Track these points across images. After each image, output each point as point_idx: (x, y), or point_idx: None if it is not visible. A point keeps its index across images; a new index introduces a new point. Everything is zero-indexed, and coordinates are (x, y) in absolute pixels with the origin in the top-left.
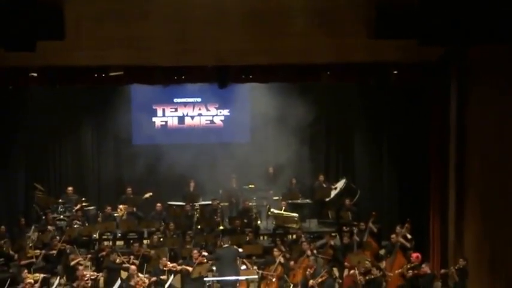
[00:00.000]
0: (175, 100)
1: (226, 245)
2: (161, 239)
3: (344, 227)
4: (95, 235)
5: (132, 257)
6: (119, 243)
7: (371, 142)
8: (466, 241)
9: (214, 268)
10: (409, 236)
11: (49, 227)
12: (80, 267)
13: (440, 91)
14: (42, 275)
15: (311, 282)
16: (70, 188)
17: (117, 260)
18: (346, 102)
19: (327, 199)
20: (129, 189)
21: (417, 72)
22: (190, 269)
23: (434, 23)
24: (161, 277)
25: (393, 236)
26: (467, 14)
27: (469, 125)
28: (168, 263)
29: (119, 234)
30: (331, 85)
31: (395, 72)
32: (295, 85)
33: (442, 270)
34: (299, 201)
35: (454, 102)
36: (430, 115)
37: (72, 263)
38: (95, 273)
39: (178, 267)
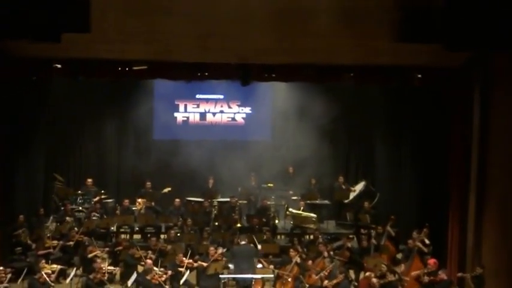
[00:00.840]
0: (197, 96)
1: (243, 243)
2: (178, 234)
3: (362, 230)
4: (112, 228)
5: (149, 251)
6: (136, 236)
7: (392, 145)
8: (484, 249)
9: (230, 265)
10: (427, 241)
11: (67, 218)
12: (98, 260)
13: (463, 97)
14: (59, 266)
15: (326, 283)
16: (89, 180)
17: (136, 255)
18: (368, 104)
19: (346, 201)
20: (148, 184)
21: (441, 77)
22: (205, 264)
23: (460, 28)
24: (177, 272)
25: (410, 240)
26: (493, 19)
27: (491, 132)
28: (184, 259)
29: (137, 228)
30: (353, 86)
31: (419, 76)
32: (317, 84)
33: (459, 274)
34: (318, 201)
35: (477, 108)
36: (452, 121)
37: (90, 255)
38: (112, 267)
39: (195, 264)
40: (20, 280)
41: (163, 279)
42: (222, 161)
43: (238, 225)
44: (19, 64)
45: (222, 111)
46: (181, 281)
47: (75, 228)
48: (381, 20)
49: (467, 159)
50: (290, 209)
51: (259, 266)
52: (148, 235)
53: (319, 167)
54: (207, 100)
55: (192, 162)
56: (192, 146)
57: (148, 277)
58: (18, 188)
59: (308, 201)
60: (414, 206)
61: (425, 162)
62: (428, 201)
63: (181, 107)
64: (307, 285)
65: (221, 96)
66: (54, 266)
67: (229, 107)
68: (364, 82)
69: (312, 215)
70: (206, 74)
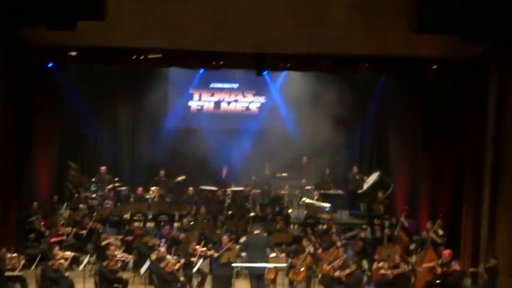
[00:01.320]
0: (212, 85)
1: (256, 232)
2: (192, 223)
3: (375, 220)
4: (126, 215)
5: (163, 239)
6: (150, 224)
7: (406, 136)
8: (497, 240)
9: (243, 254)
10: (440, 232)
11: (81, 206)
12: (112, 247)
13: (479, 88)
14: (72, 253)
15: (339, 273)
16: (103, 168)
17: (150, 243)
18: (382, 93)
19: (360, 191)
20: (162, 172)
21: (457, 69)
22: (216, 254)
23: (477, 19)
24: (190, 260)
25: (424, 231)
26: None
27: (506, 124)
28: (198, 247)
29: (150, 216)
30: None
31: (435, 67)
32: (332, 75)
33: (471, 269)
34: (331, 191)
35: (492, 100)
36: (467, 112)
37: (104, 243)
38: (126, 255)
39: (208, 253)
40: (33, 267)
41: (176, 267)
42: (235, 150)
43: (252, 214)
44: (34, 51)
45: (236, 100)
46: (194, 269)
47: (89, 216)
48: (398, 11)
49: (482, 150)
50: (304, 199)
51: (273, 255)
52: (162, 223)
53: (333, 157)
54: (221, 89)
55: (205, 151)
56: (206, 134)
57: (161, 265)
58: (32, 175)
59: (322, 191)
60: (428, 196)
61: (440, 153)
62: (442, 192)
63: (196, 96)
64: (320, 275)
65: (236, 85)
66: (68, 253)
67: (244, 96)
68: (380, 72)
69: (326, 204)
70: (221, 62)
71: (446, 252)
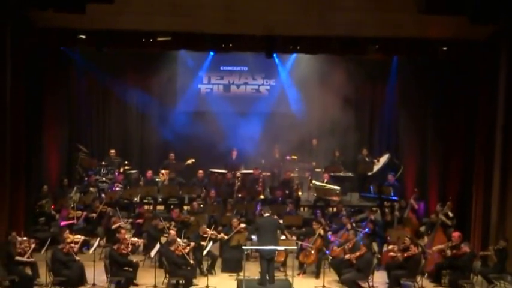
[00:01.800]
0: (221, 68)
1: (266, 215)
2: (201, 206)
3: (385, 202)
4: (136, 199)
5: (173, 223)
6: (160, 207)
7: (416, 118)
8: (507, 222)
9: (253, 237)
10: (450, 214)
11: (91, 189)
12: (122, 231)
13: (489, 69)
14: (82, 237)
15: (349, 256)
16: (113, 151)
17: (159, 226)
18: (393, 75)
19: (370, 173)
20: (171, 155)
21: (466, 50)
22: (226, 237)
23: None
24: (200, 243)
25: (434, 213)
26: None
27: None
28: (208, 230)
29: (160, 199)
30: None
31: (444, 48)
32: (341, 58)
33: (481, 252)
34: (341, 174)
35: (502, 81)
36: (478, 94)
37: (114, 227)
38: (136, 239)
39: (219, 236)
40: (43, 250)
41: (186, 250)
42: (245, 132)
43: (262, 197)
44: (44, 34)
45: (246, 83)
46: (204, 252)
47: (99, 199)
48: None
49: (492, 131)
50: (313, 181)
51: (283, 237)
52: (172, 206)
53: (343, 139)
54: (231, 72)
55: (215, 134)
56: (216, 117)
57: (171, 248)
58: (41, 158)
59: (332, 174)
60: (438, 179)
61: (450, 134)
62: (452, 174)
63: (205, 79)
64: (330, 258)
65: (245, 68)
66: (78, 236)
67: (254, 79)
68: (389, 54)
69: (336, 187)
70: (231, 45)
71: (456, 235)
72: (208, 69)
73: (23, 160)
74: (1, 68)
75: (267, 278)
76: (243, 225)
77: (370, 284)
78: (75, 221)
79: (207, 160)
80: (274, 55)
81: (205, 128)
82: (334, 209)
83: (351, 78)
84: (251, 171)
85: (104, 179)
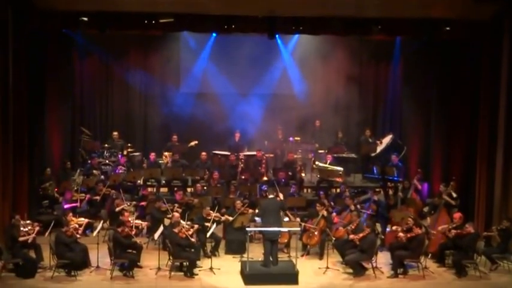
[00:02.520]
0: (224, 49)
1: (271, 196)
2: (205, 188)
3: (389, 183)
4: (139, 181)
5: (176, 204)
6: (163, 190)
7: (419, 98)
8: (511, 202)
9: (256, 219)
10: (454, 195)
11: (94, 171)
12: (125, 213)
13: (492, 50)
14: (86, 219)
15: (353, 236)
16: (115, 133)
17: (162, 208)
18: (396, 55)
19: (373, 154)
20: (174, 137)
21: (470, 30)
22: (231, 218)
23: None
24: (204, 225)
25: (437, 194)
26: None
27: None
28: (212, 212)
29: (163, 181)
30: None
31: (447, 29)
32: (344, 38)
33: (485, 233)
34: (344, 155)
35: (505, 61)
36: (481, 74)
37: (118, 209)
38: (140, 222)
39: (222, 218)
40: (47, 233)
41: (190, 232)
42: (248, 114)
43: (265, 178)
44: (46, 17)
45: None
46: (208, 234)
47: (102, 182)
48: None
49: (495, 112)
50: (317, 163)
51: (286, 219)
52: (175, 188)
53: (346, 120)
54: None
55: (218, 116)
56: (219, 99)
57: (175, 230)
58: (45, 141)
59: (335, 155)
60: (442, 159)
61: (453, 114)
62: (455, 154)
63: (208, 60)
64: (334, 239)
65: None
66: (81, 219)
67: (256, 60)
68: (392, 35)
69: (339, 168)
70: (233, 26)
71: (457, 216)
72: (210, 50)
73: (26, 143)
74: (3, 52)
75: (271, 259)
76: (250, 210)
77: (374, 264)
78: (78, 204)
79: (210, 142)
80: (277, 36)
81: (208, 110)
82: (338, 190)
83: (354, 58)
84: (254, 153)
85: (107, 161)
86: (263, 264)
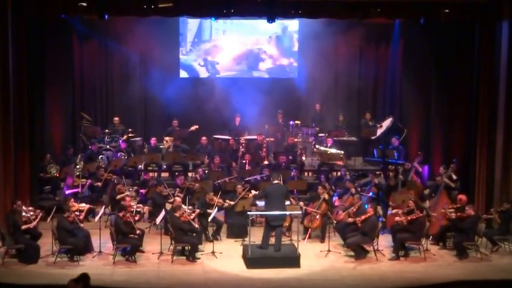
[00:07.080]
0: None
1: (276, 181)
2: (206, 172)
3: (389, 166)
4: (140, 166)
5: (177, 189)
6: (164, 174)
7: (419, 81)
8: (511, 184)
9: (258, 203)
10: (454, 177)
11: (99, 158)
12: (127, 198)
13: (492, 32)
14: (87, 205)
15: (354, 219)
16: (116, 118)
17: (164, 192)
18: (396, 37)
19: (373, 137)
20: (175, 122)
21: (469, 12)
22: (232, 203)
23: None
24: (205, 210)
25: (438, 177)
26: None
27: None
28: (215, 198)
29: (164, 166)
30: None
31: (447, 11)
32: (344, 21)
33: (485, 215)
34: (345, 138)
35: (505, 43)
36: (480, 56)
37: (119, 197)
38: (141, 206)
39: (225, 204)
40: (49, 219)
41: (192, 217)
42: (249, 98)
43: (266, 162)
44: (45, 3)
45: (249, 49)
46: (210, 219)
47: (103, 167)
48: None
49: (495, 93)
50: (317, 146)
51: (287, 202)
52: (176, 173)
53: (347, 104)
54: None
55: (218, 100)
56: (219, 83)
57: (177, 214)
58: (45, 128)
59: (335, 138)
60: (442, 142)
61: (453, 97)
62: (455, 137)
63: (208, 45)
64: (335, 222)
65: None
66: (83, 204)
67: (257, 44)
68: (391, 17)
69: (339, 151)
70: (232, 10)
71: (463, 197)
72: (210, 34)
73: (27, 129)
74: (2, 38)
75: (273, 244)
76: (253, 191)
77: (375, 247)
78: (79, 190)
79: (211, 126)
80: (276, 20)
81: (209, 94)
82: (338, 174)
83: (354, 42)
84: (255, 137)
85: (108, 146)
86: (260, 246)
